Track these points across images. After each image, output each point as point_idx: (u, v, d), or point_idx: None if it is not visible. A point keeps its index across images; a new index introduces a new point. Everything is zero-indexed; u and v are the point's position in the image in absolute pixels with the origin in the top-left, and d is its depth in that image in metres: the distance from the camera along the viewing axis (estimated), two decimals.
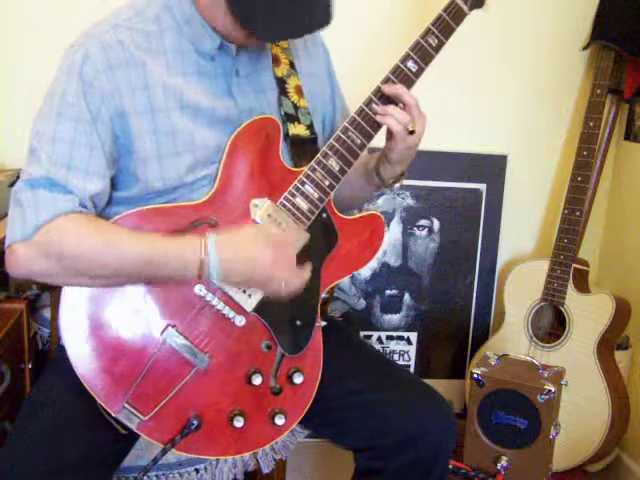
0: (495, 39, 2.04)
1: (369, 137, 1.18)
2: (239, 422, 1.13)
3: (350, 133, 1.17)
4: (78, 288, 1.08)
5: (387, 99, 1.18)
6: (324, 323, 1.22)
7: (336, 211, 1.23)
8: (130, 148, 1.11)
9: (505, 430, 1.69)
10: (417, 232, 2.11)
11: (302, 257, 1.14)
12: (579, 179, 1.94)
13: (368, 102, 1.17)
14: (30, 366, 1.47)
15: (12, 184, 1.70)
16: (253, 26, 1.07)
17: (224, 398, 1.13)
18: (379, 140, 1.23)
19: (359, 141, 1.17)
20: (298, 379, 1.17)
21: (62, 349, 1.09)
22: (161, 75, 1.11)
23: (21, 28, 1.82)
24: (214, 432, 1.13)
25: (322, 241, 1.20)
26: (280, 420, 1.15)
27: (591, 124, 1.93)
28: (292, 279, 1.11)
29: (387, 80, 1.18)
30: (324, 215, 1.20)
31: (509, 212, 2.13)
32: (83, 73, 1.06)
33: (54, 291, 1.48)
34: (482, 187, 2.10)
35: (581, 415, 1.87)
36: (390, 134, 1.20)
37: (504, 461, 1.68)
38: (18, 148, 1.83)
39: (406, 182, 2.02)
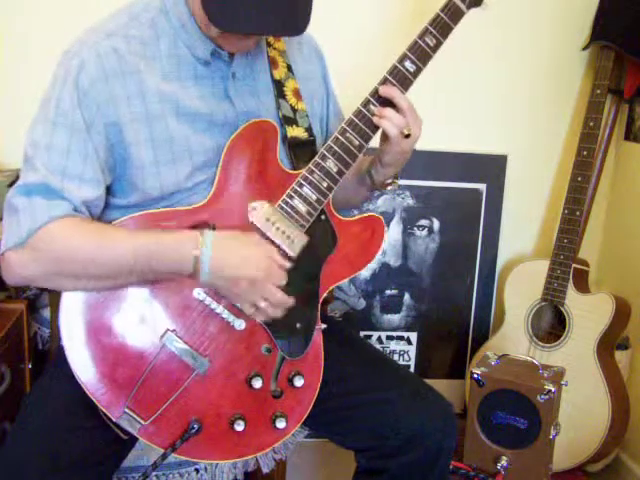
0: (495, 39, 2.04)
1: (367, 138, 1.18)
2: (240, 426, 1.12)
3: (348, 134, 1.16)
4: (77, 293, 1.08)
5: (384, 101, 1.17)
6: (324, 326, 1.21)
7: (335, 213, 1.23)
8: (126, 156, 1.11)
9: (505, 430, 1.69)
10: (417, 232, 2.11)
11: (300, 259, 1.14)
12: (579, 179, 1.94)
13: (365, 103, 1.17)
14: (30, 366, 1.47)
15: (11, 184, 1.70)
16: (210, 10, 1.03)
17: (224, 402, 1.13)
18: (373, 141, 1.23)
19: (357, 142, 1.17)
20: (299, 382, 1.17)
21: (62, 349, 1.09)
22: (157, 82, 1.11)
23: (21, 29, 1.82)
24: (215, 436, 1.13)
25: (321, 243, 1.20)
26: (281, 423, 1.15)
27: (591, 124, 1.93)
28: (276, 298, 1.10)
29: (384, 81, 1.17)
30: (323, 217, 1.20)
31: (509, 212, 2.13)
32: (79, 82, 1.07)
33: (54, 291, 1.48)
34: (482, 187, 2.10)
35: (581, 415, 1.87)
36: (385, 137, 1.20)
37: (504, 461, 1.68)
38: (18, 148, 1.83)
39: (406, 182, 2.05)
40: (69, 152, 1.07)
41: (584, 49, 2.03)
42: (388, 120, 1.16)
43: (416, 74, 1.19)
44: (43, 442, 1.05)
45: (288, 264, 1.12)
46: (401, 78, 1.17)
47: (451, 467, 1.68)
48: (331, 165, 1.16)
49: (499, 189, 2.11)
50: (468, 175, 2.09)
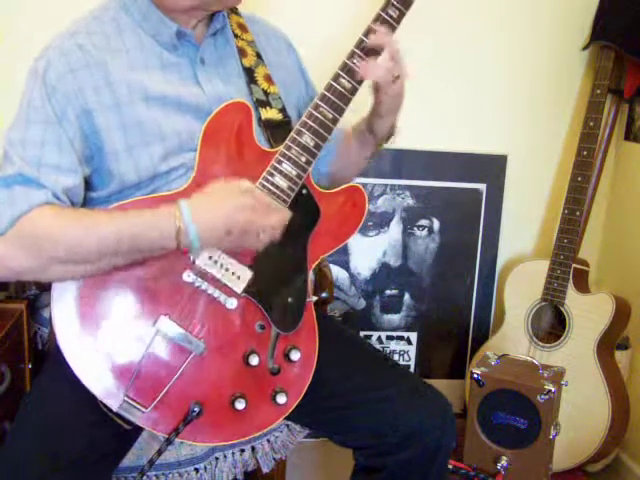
0: (495, 39, 2.04)
1: (340, 111, 1.19)
2: (241, 404, 1.13)
3: (321, 109, 1.18)
4: (67, 285, 1.08)
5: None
6: (315, 298, 1.23)
7: (316, 186, 1.23)
8: (100, 145, 1.12)
9: (505, 430, 1.69)
10: (417, 232, 2.11)
11: (286, 234, 1.14)
12: (579, 179, 1.94)
13: (335, 78, 1.18)
14: (30, 366, 1.47)
15: None
16: None
17: (223, 382, 1.14)
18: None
19: (331, 115, 1.18)
20: (295, 356, 1.17)
21: (58, 346, 1.09)
22: (123, 71, 1.13)
23: (21, 29, 1.82)
24: (217, 417, 1.13)
25: (305, 217, 1.21)
26: (282, 399, 1.16)
27: (591, 124, 1.93)
28: (272, 223, 1.10)
29: (352, 54, 1.18)
30: (304, 191, 1.20)
31: (509, 212, 2.13)
32: (46, 78, 1.10)
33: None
34: (482, 187, 2.10)
35: (581, 415, 1.87)
36: (376, 88, 1.21)
37: (504, 461, 1.69)
38: None
39: (406, 182, 2.05)
40: (43, 144, 1.09)
41: (584, 49, 2.03)
42: (373, 70, 1.17)
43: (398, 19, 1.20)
44: (43, 441, 1.05)
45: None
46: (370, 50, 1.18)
47: (451, 467, 1.69)
48: (307, 140, 1.17)
49: (499, 189, 2.11)
50: (468, 175, 2.09)
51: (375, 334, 2.14)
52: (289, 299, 1.18)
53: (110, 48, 1.14)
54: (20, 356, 1.45)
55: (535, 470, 1.67)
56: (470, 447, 1.73)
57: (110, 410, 1.08)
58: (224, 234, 1.08)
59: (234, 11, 1.30)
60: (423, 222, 2.10)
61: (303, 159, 1.17)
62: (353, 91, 1.19)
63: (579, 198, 1.94)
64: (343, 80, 1.18)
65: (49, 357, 1.28)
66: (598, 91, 1.93)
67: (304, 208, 1.20)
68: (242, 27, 1.30)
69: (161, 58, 1.17)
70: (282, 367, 1.17)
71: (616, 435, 1.90)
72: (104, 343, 1.08)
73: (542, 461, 1.67)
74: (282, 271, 1.17)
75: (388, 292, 2.12)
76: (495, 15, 2.02)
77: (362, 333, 2.13)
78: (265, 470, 1.42)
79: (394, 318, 2.14)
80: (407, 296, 2.13)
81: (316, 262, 1.24)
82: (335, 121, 1.19)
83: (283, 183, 1.16)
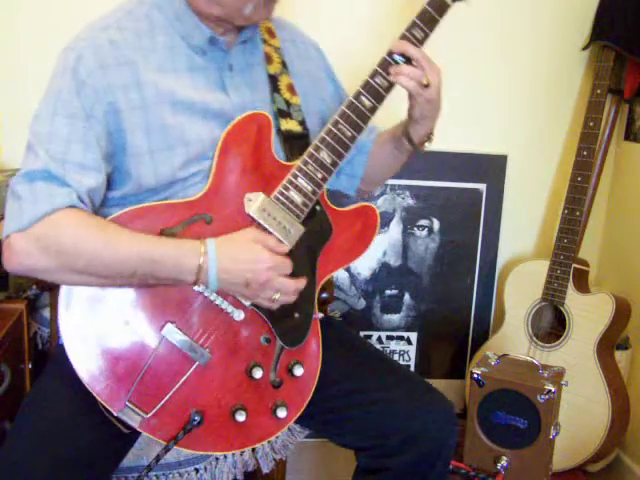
0: (495, 39, 2.04)
1: (359, 129, 1.19)
2: (241, 416, 1.13)
3: (340, 126, 1.18)
4: (76, 287, 1.08)
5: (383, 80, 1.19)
6: (321, 315, 1.23)
7: (329, 203, 1.24)
8: (123, 144, 1.12)
9: (505, 430, 1.69)
10: (417, 232, 2.11)
11: (297, 249, 1.15)
12: (579, 179, 1.94)
13: (356, 95, 1.18)
14: (30, 366, 1.47)
15: None
16: None
17: (225, 393, 1.13)
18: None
19: (349, 133, 1.18)
20: (298, 371, 1.17)
21: (62, 347, 1.09)
22: (152, 72, 1.13)
23: (21, 29, 1.82)
24: (216, 427, 1.13)
25: (317, 233, 1.21)
26: (282, 413, 1.16)
27: (591, 124, 1.93)
28: (287, 287, 1.12)
29: (375, 72, 1.18)
30: (318, 208, 1.21)
31: (509, 212, 2.13)
32: (77, 72, 1.09)
33: (54, 291, 1.48)
34: (482, 187, 2.10)
35: (581, 415, 1.87)
36: (409, 94, 1.21)
37: (504, 461, 1.68)
38: (18, 148, 1.83)
39: (406, 182, 2.05)
40: (70, 140, 1.08)
41: (584, 49, 2.03)
42: (403, 75, 1.17)
43: (423, 40, 1.21)
44: (43, 442, 1.05)
45: (287, 248, 1.13)
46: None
47: (451, 467, 1.69)
48: (325, 156, 1.17)
49: (499, 189, 2.11)
50: (468, 175, 2.09)
51: (375, 334, 2.14)
52: (296, 314, 1.18)
53: (141, 46, 1.13)
54: (20, 356, 1.45)
55: (535, 470, 1.67)
56: (470, 447, 1.73)
57: (110, 413, 1.08)
58: (243, 285, 1.09)
59: None
60: (423, 222, 2.10)
61: (319, 175, 1.17)
62: (373, 110, 1.19)
63: (579, 198, 1.94)
64: (364, 98, 1.18)
65: (50, 358, 1.28)
66: (598, 91, 1.93)
67: (317, 224, 1.20)
68: (270, 32, 1.29)
69: (190, 61, 1.16)
70: (284, 381, 1.17)
71: (616, 435, 1.90)
72: (109, 346, 1.08)
73: (542, 461, 1.67)
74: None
75: (388, 292, 2.12)
76: (495, 15, 2.02)
77: (362, 333, 2.13)
78: (265, 470, 1.42)
79: (394, 318, 2.14)
80: (407, 296, 2.13)
81: (324, 279, 1.24)
82: (353, 139, 1.18)
83: (298, 198, 1.15)
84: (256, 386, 1.15)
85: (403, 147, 1.33)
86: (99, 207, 1.15)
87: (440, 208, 2.10)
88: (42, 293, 1.56)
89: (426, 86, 1.18)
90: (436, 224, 2.11)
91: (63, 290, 1.09)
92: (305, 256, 1.19)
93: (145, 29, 1.15)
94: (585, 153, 1.93)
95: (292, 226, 1.14)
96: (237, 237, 1.11)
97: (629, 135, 2.05)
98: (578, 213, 1.93)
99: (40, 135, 1.08)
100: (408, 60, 1.18)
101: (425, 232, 2.11)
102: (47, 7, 1.82)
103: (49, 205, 1.04)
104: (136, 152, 1.12)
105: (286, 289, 1.12)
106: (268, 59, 1.26)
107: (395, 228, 2.09)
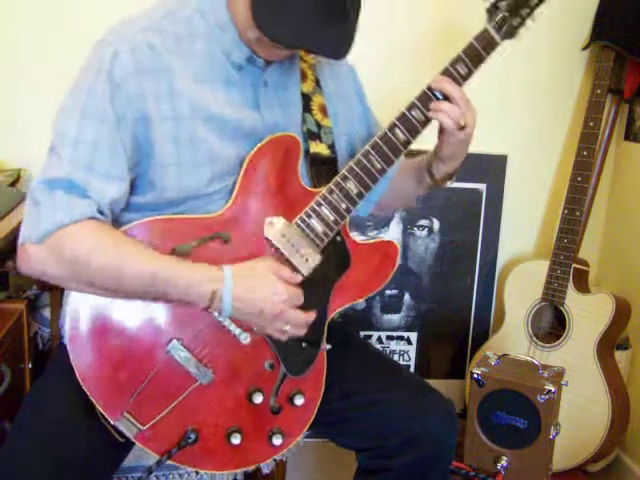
0: None
1: (390, 162, 1.16)
2: (236, 439, 1.12)
3: (371, 157, 1.15)
4: (85, 295, 1.07)
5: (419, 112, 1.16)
6: (329, 346, 1.20)
7: (350, 235, 1.21)
8: (150, 153, 1.09)
9: (505, 430, 1.69)
10: (417, 232, 2.11)
11: (313, 279, 1.13)
12: (579, 179, 1.94)
13: (391, 127, 1.15)
14: (30, 366, 1.47)
15: (12, 184, 1.70)
16: (259, 13, 1.04)
17: (223, 414, 1.13)
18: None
19: (379, 166, 1.15)
20: (299, 401, 1.16)
21: (63, 348, 1.09)
22: (188, 82, 1.09)
23: (22, 29, 1.82)
24: (211, 447, 1.12)
25: (334, 264, 1.19)
26: (277, 440, 1.15)
27: (591, 124, 1.93)
28: (298, 320, 1.11)
29: (412, 105, 1.16)
30: (338, 238, 1.18)
31: (509, 212, 2.13)
32: (112, 73, 1.04)
33: (54, 291, 1.48)
34: (482, 187, 2.10)
35: (581, 415, 1.87)
36: (442, 130, 1.19)
37: (504, 461, 1.68)
38: (18, 148, 1.84)
39: None
40: (97, 147, 1.04)
41: (584, 49, 2.03)
42: (443, 113, 1.15)
43: (466, 77, 1.19)
44: (42, 444, 1.05)
45: (300, 278, 1.12)
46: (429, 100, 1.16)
47: (451, 467, 1.69)
48: (351, 186, 1.14)
49: (499, 189, 2.11)
50: (468, 175, 2.08)
51: (375, 334, 2.14)
52: (303, 344, 1.17)
53: (180, 52, 1.08)
54: (20, 356, 1.45)
55: (535, 470, 1.67)
56: (470, 447, 1.73)
57: (107, 421, 1.07)
58: (256, 315, 1.08)
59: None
60: (423, 222, 2.10)
61: (343, 206, 1.14)
62: (407, 144, 1.16)
63: (579, 198, 1.94)
64: (398, 131, 1.15)
65: (50, 358, 1.28)
66: (598, 91, 1.93)
67: (335, 255, 1.18)
68: None
69: (227, 74, 1.12)
70: (283, 408, 1.16)
71: (616, 435, 1.90)
72: (113, 356, 1.07)
73: (542, 461, 1.67)
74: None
75: (388, 292, 2.12)
76: None
77: (362, 333, 2.13)
78: (265, 471, 1.42)
79: (394, 318, 2.14)
80: (407, 296, 2.13)
81: (335, 312, 1.22)
82: (383, 172, 1.16)
83: (319, 227, 1.14)
84: (255, 411, 1.14)
85: (424, 180, 1.31)
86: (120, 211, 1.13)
87: (440, 208, 2.10)
88: (42, 293, 1.56)
89: (462, 127, 1.17)
90: (436, 224, 2.11)
91: (72, 297, 1.08)
92: (320, 286, 1.17)
93: (185, 34, 1.09)
94: (585, 153, 1.93)
95: (310, 255, 1.12)
96: (254, 265, 1.09)
97: (629, 135, 2.05)
98: (578, 213, 1.93)
99: (66, 138, 1.05)
100: (446, 97, 1.16)
101: (425, 232, 2.11)
102: (50, 5, 1.81)
103: (68, 216, 1.02)
104: (162, 163, 1.09)
105: (296, 321, 1.10)
106: (303, 76, 1.23)
107: (395, 228, 2.09)
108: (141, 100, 1.06)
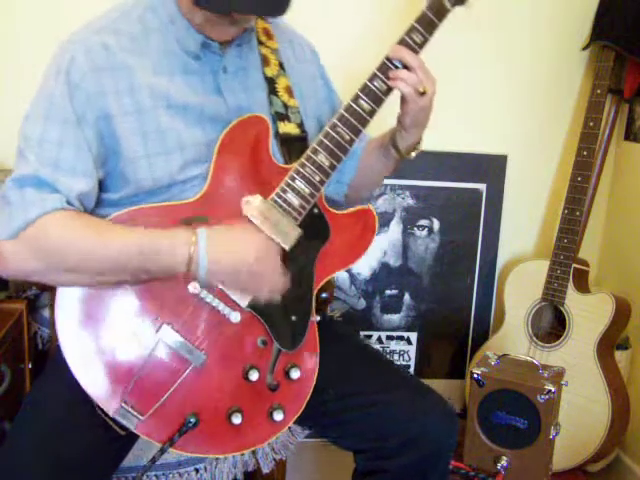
0: (495, 39, 2.04)
1: (357, 132, 1.18)
2: (237, 419, 1.12)
3: (338, 129, 1.17)
4: (72, 289, 1.08)
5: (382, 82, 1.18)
6: (318, 318, 1.22)
7: (327, 206, 1.23)
8: (117, 149, 1.11)
9: (505, 430, 1.69)
10: (417, 232, 2.11)
11: (295, 252, 1.15)
12: (579, 179, 1.94)
13: (355, 99, 1.18)
14: (30, 366, 1.47)
15: None
16: None
17: (221, 395, 1.13)
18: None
19: (347, 137, 1.18)
20: (295, 374, 1.17)
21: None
22: (147, 76, 1.12)
23: (22, 29, 1.82)
24: (212, 430, 1.12)
25: (314, 236, 1.20)
26: (278, 416, 1.15)
27: (591, 124, 1.93)
28: (276, 279, 1.12)
29: (374, 76, 1.18)
30: (315, 211, 1.20)
31: (509, 212, 2.13)
32: (70, 74, 1.08)
33: (54, 291, 1.47)
34: (482, 187, 2.10)
35: (581, 415, 1.87)
36: (402, 99, 1.21)
37: (504, 461, 1.68)
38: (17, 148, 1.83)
39: (406, 182, 2.05)
40: (61, 145, 1.08)
41: (584, 49, 2.03)
42: (401, 80, 1.17)
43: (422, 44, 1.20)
44: (42, 443, 1.05)
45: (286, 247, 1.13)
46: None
47: (451, 467, 1.68)
48: (323, 159, 1.17)
49: (499, 189, 2.11)
50: (468, 175, 2.09)
51: (375, 334, 2.14)
52: (293, 317, 1.18)
53: (135, 50, 1.12)
54: (20, 356, 1.45)
55: (535, 470, 1.67)
56: (470, 447, 1.73)
57: (106, 415, 1.08)
58: (231, 273, 1.08)
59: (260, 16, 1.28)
60: (423, 222, 2.10)
61: (317, 178, 1.16)
62: (372, 113, 1.19)
63: (579, 198, 1.94)
64: (363, 102, 1.18)
65: (50, 358, 1.28)
66: (598, 91, 1.93)
67: (314, 227, 1.20)
68: (268, 33, 1.29)
69: (185, 64, 1.16)
70: (281, 384, 1.17)
71: (616, 435, 1.90)
72: (105, 347, 1.08)
73: (542, 461, 1.67)
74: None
75: (388, 292, 2.12)
76: (495, 15, 2.02)
77: (362, 333, 2.13)
78: (265, 470, 1.42)
79: (394, 318, 2.14)
80: (407, 296, 2.13)
81: (322, 282, 1.23)
82: (351, 142, 1.18)
83: (295, 200, 1.15)
84: (252, 389, 1.15)
85: (390, 155, 1.33)
86: (95, 208, 1.15)
87: (440, 208, 2.10)
88: (42, 293, 1.56)
89: (422, 94, 1.19)
90: (436, 224, 2.11)
91: (59, 292, 1.09)
92: (303, 259, 1.19)
93: (140, 32, 1.14)
94: (585, 153, 1.93)
95: (290, 229, 1.14)
96: (236, 227, 1.10)
97: (629, 135, 2.05)
98: (578, 213, 1.93)
99: (31, 139, 1.08)
100: (405, 66, 1.18)
101: (425, 232, 2.11)
102: (46, 6, 1.82)
103: (39, 210, 1.04)
104: (132, 157, 1.12)
105: (274, 282, 1.12)
106: (265, 61, 1.26)
107: (395, 228, 2.09)
108: (101, 97, 1.09)
